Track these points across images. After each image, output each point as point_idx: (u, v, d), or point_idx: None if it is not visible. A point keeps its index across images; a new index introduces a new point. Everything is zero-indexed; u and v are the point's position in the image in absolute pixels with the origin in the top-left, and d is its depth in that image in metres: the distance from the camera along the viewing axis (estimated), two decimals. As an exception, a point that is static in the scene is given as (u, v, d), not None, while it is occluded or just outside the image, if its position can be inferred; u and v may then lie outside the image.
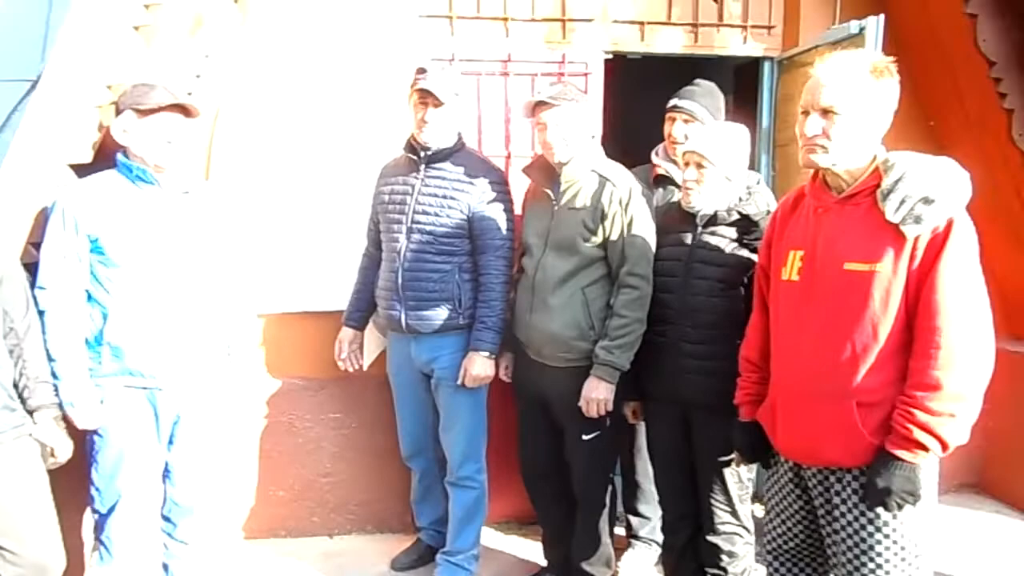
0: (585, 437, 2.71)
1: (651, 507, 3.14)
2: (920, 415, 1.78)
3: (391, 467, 3.27)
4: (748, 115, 3.45)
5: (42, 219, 2.44)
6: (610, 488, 2.85)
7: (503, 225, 2.80)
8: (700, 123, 2.87)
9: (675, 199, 2.84)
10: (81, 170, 2.56)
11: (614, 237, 2.63)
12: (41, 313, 2.39)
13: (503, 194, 2.83)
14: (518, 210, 2.91)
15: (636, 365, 2.64)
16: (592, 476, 2.80)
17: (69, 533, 2.45)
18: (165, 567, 2.79)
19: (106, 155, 2.54)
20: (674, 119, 2.94)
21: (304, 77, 3.19)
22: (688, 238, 2.55)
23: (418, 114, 2.76)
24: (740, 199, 2.51)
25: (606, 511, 2.84)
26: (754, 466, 2.49)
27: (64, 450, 2.39)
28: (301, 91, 3.19)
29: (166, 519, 2.73)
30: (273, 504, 3.35)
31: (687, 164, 2.52)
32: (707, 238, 2.51)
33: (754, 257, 2.37)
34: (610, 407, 2.66)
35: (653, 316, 2.60)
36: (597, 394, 2.62)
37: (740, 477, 2.57)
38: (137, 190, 2.49)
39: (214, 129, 3.14)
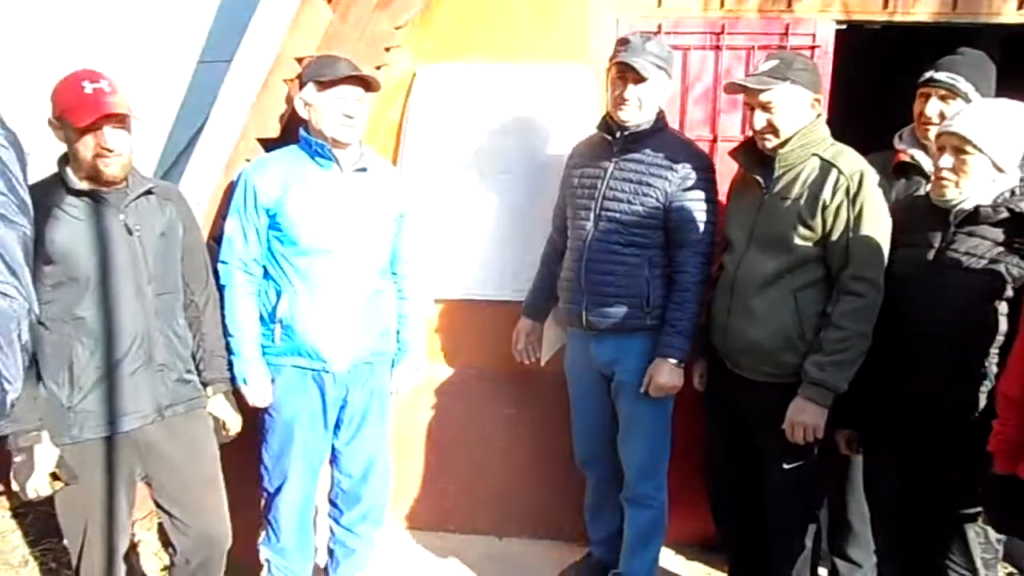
0: (786, 466, 2.33)
1: (864, 553, 2.66)
2: None
3: (566, 471, 3.02)
4: (1017, 96, 2.83)
5: (230, 193, 2.45)
6: (812, 528, 2.44)
7: (704, 217, 2.45)
8: (962, 100, 2.35)
9: (920, 191, 2.36)
10: (273, 145, 2.55)
11: (836, 233, 2.22)
12: (221, 287, 2.39)
13: (706, 182, 2.48)
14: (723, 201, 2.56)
15: (855, 387, 2.21)
16: (790, 513, 2.40)
17: (243, 509, 2.46)
18: (331, 552, 2.76)
19: (297, 130, 2.50)
20: (928, 95, 2.42)
21: (498, 47, 3.00)
22: (936, 239, 2.08)
23: (616, 90, 2.48)
24: (1014, 193, 2.00)
25: (806, 554, 2.43)
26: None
27: (235, 424, 2.39)
28: (494, 64, 3.01)
29: (333, 504, 2.69)
30: (441, 497, 3.23)
31: (941, 149, 2.04)
32: (963, 240, 2.03)
33: (1025, 266, 1.87)
34: (820, 434, 2.25)
35: (882, 330, 2.16)
36: (804, 418, 2.23)
37: (987, 536, 2.07)
38: (316, 167, 2.43)
39: (406, 105, 3.05)
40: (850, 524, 2.69)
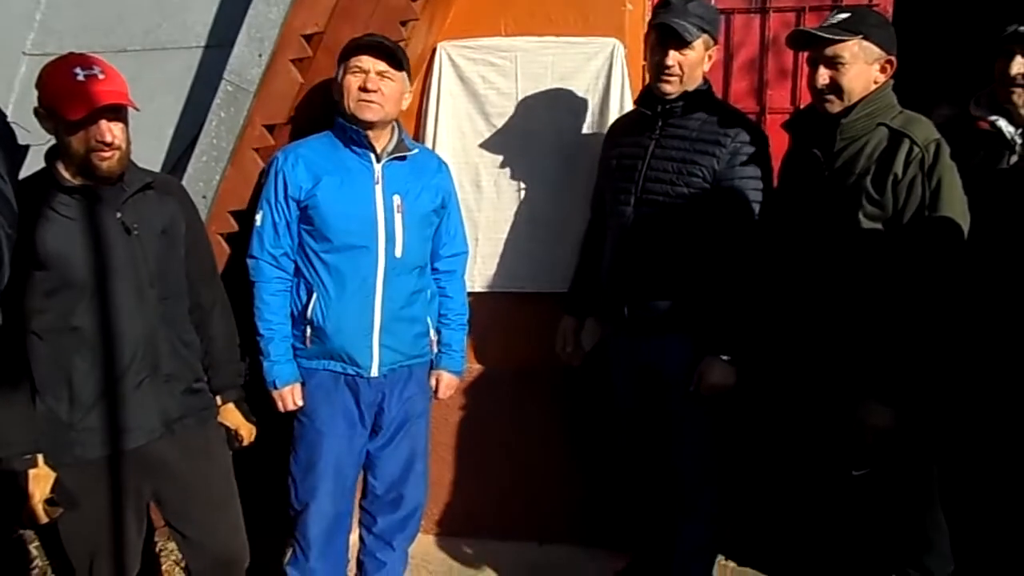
0: (855, 473, 2.10)
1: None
2: None
3: (610, 473, 2.83)
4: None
5: (235, 187, 2.27)
6: None
7: (758, 197, 2.21)
8: None
9: (1005, 163, 2.10)
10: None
11: (909, 212, 1.98)
12: (250, 283, 2.24)
13: (759, 158, 2.24)
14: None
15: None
16: (866, 529, 2.17)
17: (268, 527, 2.30)
18: (360, 564, 2.58)
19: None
20: (1013, 52, 2.14)
21: (523, 18, 2.75)
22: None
23: (655, 57, 2.25)
24: None
25: None
26: None
27: (248, 433, 2.22)
28: (520, 38, 2.76)
29: (365, 511, 2.51)
30: (476, 501, 3.03)
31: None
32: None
33: None
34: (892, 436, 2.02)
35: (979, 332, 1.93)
36: (876, 420, 2.00)
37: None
38: (350, 155, 2.25)
39: (427, 84, 2.83)
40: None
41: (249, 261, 2.27)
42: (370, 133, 2.24)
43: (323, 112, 2.33)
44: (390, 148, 2.28)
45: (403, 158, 2.30)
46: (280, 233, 2.24)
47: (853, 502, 2.16)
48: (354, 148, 2.25)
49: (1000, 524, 1.98)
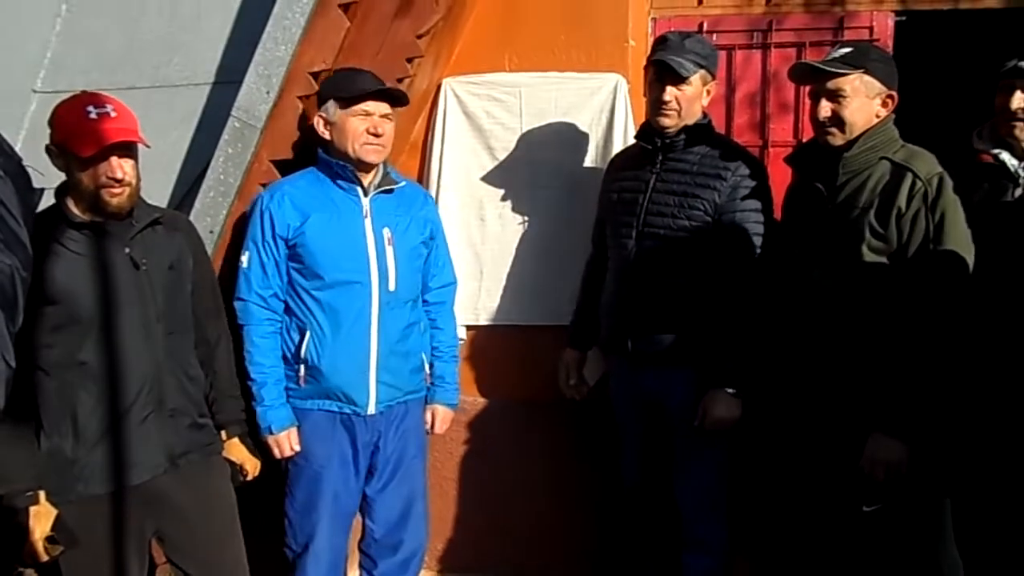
0: (866, 509, 2.08)
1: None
2: None
3: (614, 506, 2.79)
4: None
5: (243, 223, 2.28)
6: None
7: (759, 230, 2.22)
8: None
9: (1009, 196, 2.11)
10: (288, 167, 2.38)
11: (914, 246, 1.98)
12: (240, 327, 2.22)
13: (760, 191, 2.25)
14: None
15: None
16: (878, 566, 2.14)
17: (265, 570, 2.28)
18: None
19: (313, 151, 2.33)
20: (1012, 86, 2.16)
21: (528, 55, 2.79)
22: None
23: (653, 93, 2.27)
24: None
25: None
26: None
27: (253, 468, 2.20)
28: (524, 74, 2.80)
29: (365, 554, 2.48)
30: (480, 537, 3.00)
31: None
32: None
33: None
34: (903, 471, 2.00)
35: (985, 367, 1.93)
36: (886, 455, 1.98)
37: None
38: (338, 191, 2.26)
39: (432, 120, 2.86)
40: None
41: (237, 304, 2.22)
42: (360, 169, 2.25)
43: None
44: (377, 182, 2.28)
45: (390, 191, 2.30)
46: (269, 273, 2.22)
47: (864, 538, 2.13)
48: (340, 183, 2.25)
49: (1015, 560, 1.95)
